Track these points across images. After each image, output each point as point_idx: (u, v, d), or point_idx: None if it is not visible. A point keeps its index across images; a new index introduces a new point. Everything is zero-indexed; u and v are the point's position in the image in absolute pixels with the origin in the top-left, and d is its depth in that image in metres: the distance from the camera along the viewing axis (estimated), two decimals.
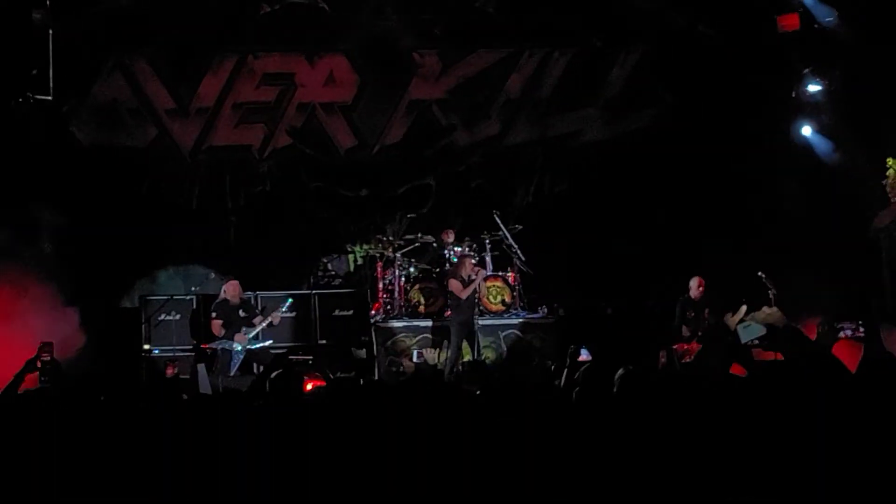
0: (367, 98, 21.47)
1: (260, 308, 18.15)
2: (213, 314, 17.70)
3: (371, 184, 21.43)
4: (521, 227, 19.62)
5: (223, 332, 17.61)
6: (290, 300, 18.30)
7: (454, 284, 18.09)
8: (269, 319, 17.72)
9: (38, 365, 13.92)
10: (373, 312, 19.22)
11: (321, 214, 21.21)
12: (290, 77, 21.21)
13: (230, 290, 17.77)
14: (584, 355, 17.83)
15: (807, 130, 19.22)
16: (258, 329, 17.65)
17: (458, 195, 21.36)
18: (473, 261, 18.64)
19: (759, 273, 18.07)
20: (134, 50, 20.49)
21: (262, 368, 17.29)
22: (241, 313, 17.70)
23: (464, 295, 18.00)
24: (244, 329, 17.57)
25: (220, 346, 17.50)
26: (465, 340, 18.06)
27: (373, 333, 18.78)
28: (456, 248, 19.32)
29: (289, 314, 18.36)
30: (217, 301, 17.83)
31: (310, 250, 21.18)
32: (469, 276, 18.15)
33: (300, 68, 21.19)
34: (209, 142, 21.21)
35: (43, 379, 13.16)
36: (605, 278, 19.76)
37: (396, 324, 18.77)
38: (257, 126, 21.36)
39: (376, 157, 21.62)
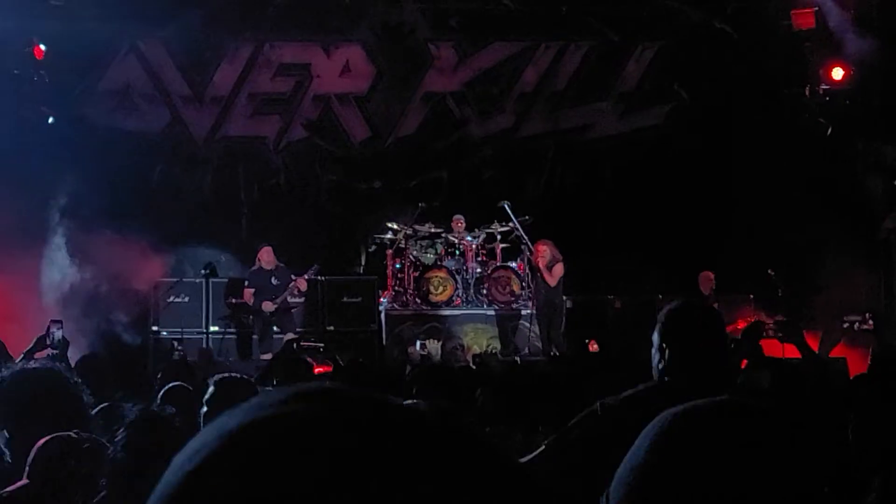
0: (382, 89, 21.63)
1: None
2: (246, 282, 18.29)
3: (384, 176, 21.59)
4: (531, 218, 19.73)
5: (253, 300, 18.08)
6: (317, 265, 18.58)
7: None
8: (295, 284, 18.07)
9: (48, 342, 14.15)
10: (382, 300, 19.41)
11: (335, 208, 21.36)
12: (306, 67, 21.37)
13: (263, 256, 18.27)
14: (595, 346, 18.08)
15: (822, 128, 19.35)
16: (285, 295, 18.01)
17: (470, 188, 21.38)
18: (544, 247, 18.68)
19: (769, 270, 18.25)
20: (149, 34, 20.63)
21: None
22: (273, 281, 18.11)
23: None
24: (274, 296, 18.01)
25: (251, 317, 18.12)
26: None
27: (381, 321, 18.98)
28: (466, 238, 19.47)
29: (298, 299, 18.57)
30: (251, 269, 18.37)
31: (320, 241, 21.35)
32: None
33: (316, 58, 21.35)
34: (223, 131, 21.38)
35: (53, 353, 13.23)
36: (615, 272, 19.87)
37: (405, 312, 18.94)
38: (273, 117, 21.54)
39: (390, 149, 21.78)
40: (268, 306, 17.98)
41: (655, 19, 21.11)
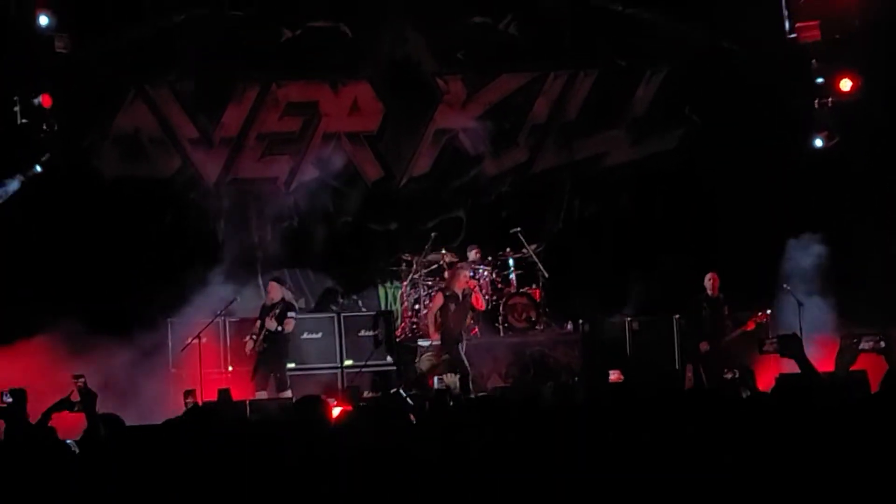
0: (393, 127, 22.23)
1: None
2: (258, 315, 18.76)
3: (400, 217, 22.20)
4: (543, 245, 20.34)
5: None
6: (283, 304, 18.87)
7: (437, 300, 18.50)
8: (267, 326, 18.51)
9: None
10: (398, 332, 20.11)
11: (350, 250, 21.97)
12: (315, 106, 22.02)
13: (268, 290, 18.98)
14: (615, 375, 18.69)
15: (818, 142, 20.08)
16: (262, 333, 18.52)
17: (489, 226, 21.80)
18: (469, 273, 18.82)
19: (785, 286, 18.96)
20: (156, 78, 21.44)
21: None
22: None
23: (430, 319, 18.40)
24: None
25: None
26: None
27: (397, 353, 19.63)
28: (480, 268, 20.02)
29: (314, 335, 19.36)
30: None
31: (338, 284, 22.05)
32: (462, 293, 18.31)
33: (324, 96, 22.02)
34: (234, 173, 22.05)
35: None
36: (634, 295, 20.48)
37: (422, 343, 19.54)
38: (283, 157, 22.17)
39: (404, 189, 22.36)
40: (248, 344, 18.58)
41: (662, 43, 21.69)
